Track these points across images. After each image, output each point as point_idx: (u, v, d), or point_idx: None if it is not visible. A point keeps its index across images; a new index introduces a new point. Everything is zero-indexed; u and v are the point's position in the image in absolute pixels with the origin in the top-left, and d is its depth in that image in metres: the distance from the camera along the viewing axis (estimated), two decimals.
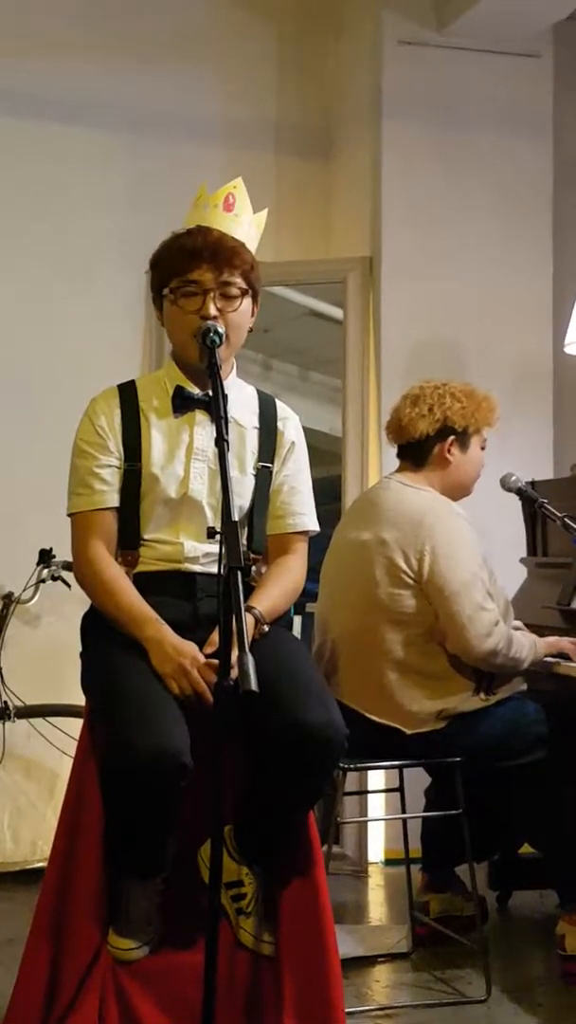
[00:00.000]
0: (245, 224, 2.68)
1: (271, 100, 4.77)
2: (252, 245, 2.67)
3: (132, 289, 4.53)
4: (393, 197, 4.44)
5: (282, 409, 2.75)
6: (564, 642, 3.27)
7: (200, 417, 2.63)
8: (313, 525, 2.73)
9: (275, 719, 2.31)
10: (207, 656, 2.44)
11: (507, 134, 4.52)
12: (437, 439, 3.28)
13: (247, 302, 2.63)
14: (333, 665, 3.23)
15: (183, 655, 2.42)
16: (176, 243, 2.60)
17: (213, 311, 2.56)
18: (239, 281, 2.60)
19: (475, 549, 3.16)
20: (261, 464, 2.67)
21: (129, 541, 2.60)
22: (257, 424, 2.70)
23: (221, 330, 2.51)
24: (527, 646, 3.16)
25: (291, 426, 2.74)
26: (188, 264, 2.57)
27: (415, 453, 3.32)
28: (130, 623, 2.49)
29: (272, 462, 2.69)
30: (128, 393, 2.67)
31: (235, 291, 2.60)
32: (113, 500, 2.60)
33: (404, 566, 3.11)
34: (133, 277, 4.52)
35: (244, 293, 2.61)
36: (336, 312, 4.56)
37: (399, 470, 3.37)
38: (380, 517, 3.21)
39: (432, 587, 3.09)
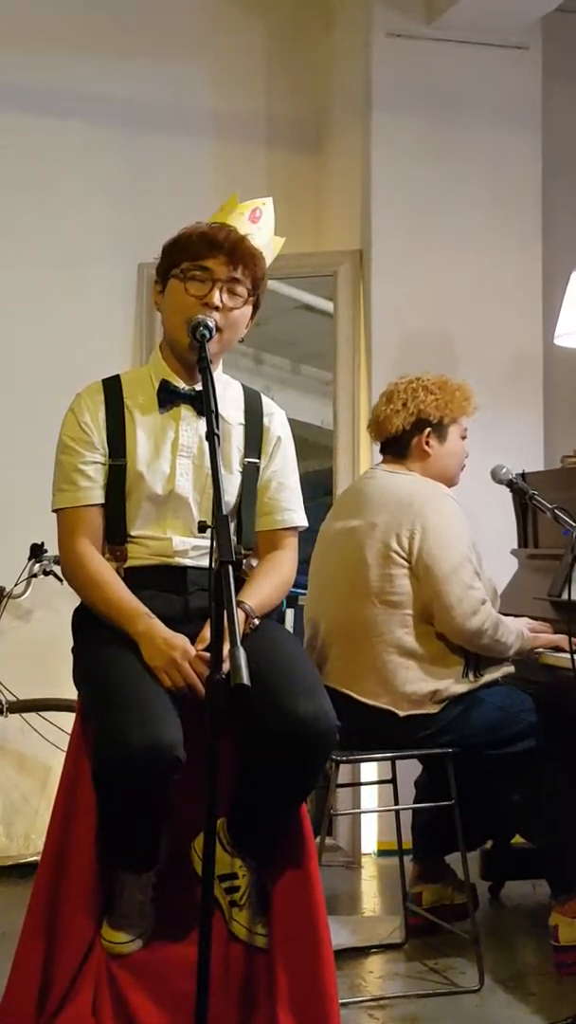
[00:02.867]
0: (264, 240, 2.70)
1: (261, 94, 4.77)
2: (267, 255, 2.69)
3: (124, 283, 4.54)
4: (383, 190, 4.44)
5: (268, 404, 2.75)
6: (552, 636, 3.29)
7: (185, 412, 2.63)
8: (301, 521, 2.74)
9: (267, 712, 2.32)
10: (199, 651, 2.44)
11: (496, 126, 4.52)
12: (414, 432, 3.32)
13: (247, 309, 2.64)
14: (325, 653, 3.24)
15: (174, 648, 2.42)
16: (199, 230, 2.60)
17: (218, 301, 2.56)
18: (247, 283, 2.60)
19: (464, 529, 3.20)
20: (248, 460, 2.67)
21: (116, 537, 2.61)
22: (243, 420, 2.70)
23: (211, 324, 2.50)
24: (514, 633, 3.19)
25: (277, 421, 2.74)
26: (206, 251, 2.57)
27: (395, 448, 3.37)
28: (120, 618, 2.50)
29: (259, 458, 2.69)
30: (113, 388, 2.66)
31: (242, 291, 2.60)
32: (98, 496, 2.60)
33: (396, 546, 3.13)
34: (125, 271, 4.53)
35: (248, 298, 2.62)
36: (327, 305, 4.56)
37: (383, 462, 3.41)
38: (368, 504, 3.23)
39: (421, 566, 3.12)
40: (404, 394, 3.34)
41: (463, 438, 3.40)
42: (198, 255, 2.57)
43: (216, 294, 2.56)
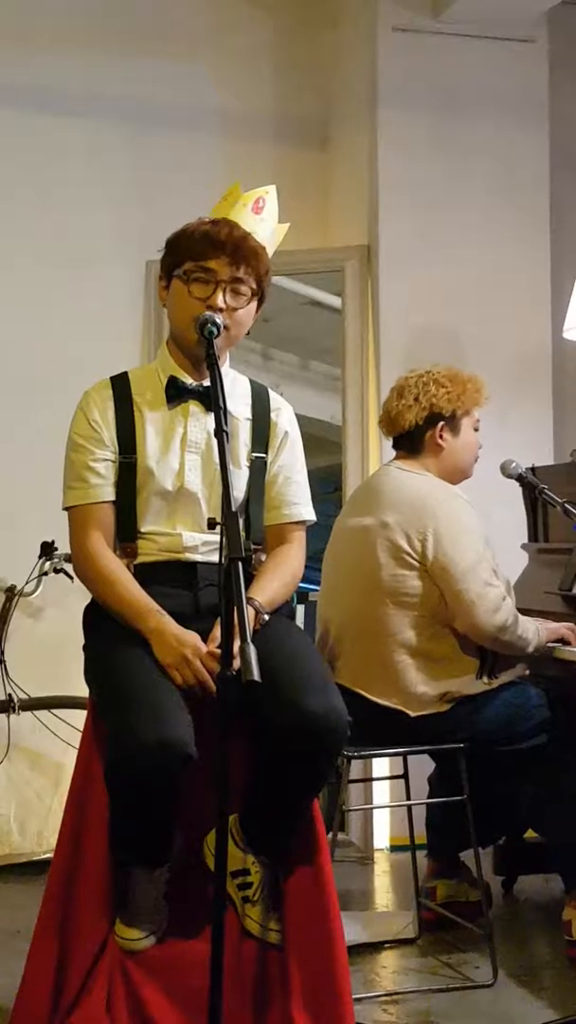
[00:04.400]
0: (268, 230, 2.69)
1: (268, 90, 4.76)
2: (269, 251, 2.68)
3: (131, 282, 4.54)
4: (390, 185, 4.43)
5: (275, 399, 2.76)
6: (563, 629, 3.29)
7: (193, 408, 2.64)
8: (309, 515, 2.74)
9: (277, 708, 2.32)
10: (211, 648, 2.44)
11: (503, 120, 4.52)
12: (427, 427, 3.31)
13: (253, 305, 2.64)
14: (336, 651, 3.24)
15: (185, 645, 2.43)
16: (201, 229, 2.60)
17: (221, 303, 2.56)
18: (251, 282, 2.60)
19: (478, 529, 3.18)
20: (255, 455, 2.68)
21: (127, 534, 2.61)
22: (250, 415, 2.70)
23: (219, 321, 2.51)
24: (532, 628, 3.18)
25: (284, 416, 2.75)
26: (208, 251, 2.57)
27: (409, 443, 3.35)
28: (131, 615, 2.50)
29: (266, 452, 2.69)
30: (121, 385, 2.67)
31: (245, 290, 2.60)
32: (109, 493, 2.60)
33: (407, 547, 3.12)
34: (132, 270, 4.53)
35: (253, 295, 2.62)
36: (335, 301, 4.56)
37: (397, 458, 3.39)
38: (381, 502, 3.22)
39: (437, 568, 3.10)
40: (415, 388, 3.33)
41: (476, 430, 3.39)
42: (200, 255, 2.57)
43: (220, 296, 2.57)
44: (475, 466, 3.42)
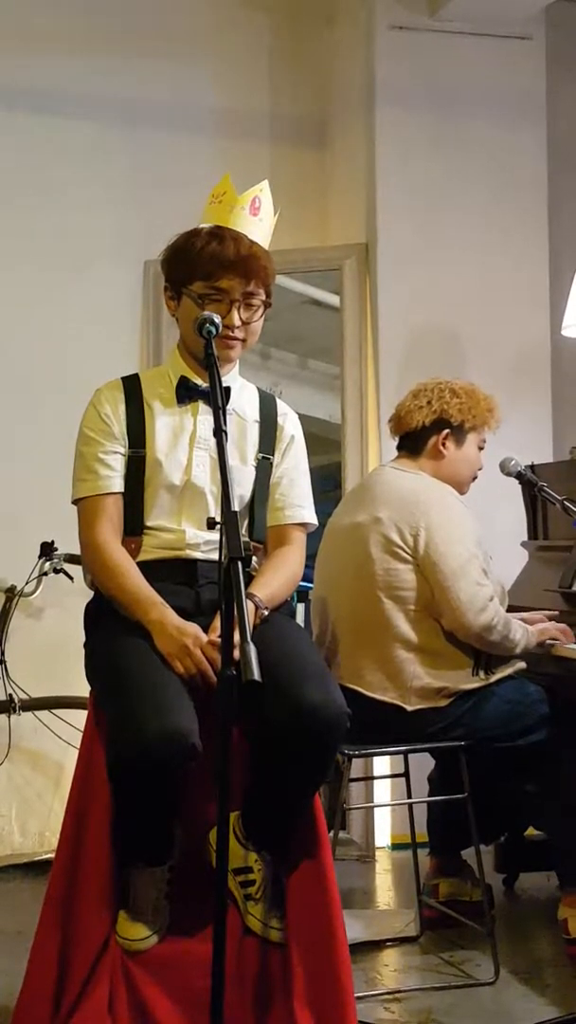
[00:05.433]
0: (267, 227, 2.71)
1: (265, 90, 4.76)
2: (267, 244, 2.70)
3: (130, 283, 4.54)
4: (388, 183, 4.43)
5: (282, 406, 2.81)
6: (551, 629, 3.29)
7: (203, 407, 2.67)
8: (311, 518, 2.77)
9: (276, 701, 2.32)
10: (211, 639, 2.45)
11: (501, 117, 4.52)
12: (432, 431, 3.32)
13: (263, 312, 2.68)
14: (333, 648, 3.24)
15: (186, 635, 2.44)
16: (208, 248, 2.60)
17: (238, 321, 2.61)
18: (262, 293, 2.65)
19: (470, 528, 3.19)
20: (262, 456, 2.71)
21: (133, 528, 2.63)
22: (258, 418, 2.74)
23: (217, 320, 2.51)
24: (521, 631, 3.18)
25: (291, 422, 2.79)
26: (218, 272, 2.60)
27: (412, 443, 3.37)
28: (134, 606, 2.52)
29: (272, 454, 2.73)
30: (132, 384, 2.71)
31: (257, 302, 2.65)
32: (118, 485, 2.62)
33: (399, 541, 3.13)
34: (131, 271, 4.53)
35: (264, 304, 2.67)
36: (334, 300, 4.56)
37: (395, 459, 3.41)
38: (374, 499, 3.24)
39: (428, 564, 3.11)
40: (430, 393, 3.36)
41: (480, 448, 3.40)
42: (211, 275, 2.60)
43: (235, 314, 2.61)
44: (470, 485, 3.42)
